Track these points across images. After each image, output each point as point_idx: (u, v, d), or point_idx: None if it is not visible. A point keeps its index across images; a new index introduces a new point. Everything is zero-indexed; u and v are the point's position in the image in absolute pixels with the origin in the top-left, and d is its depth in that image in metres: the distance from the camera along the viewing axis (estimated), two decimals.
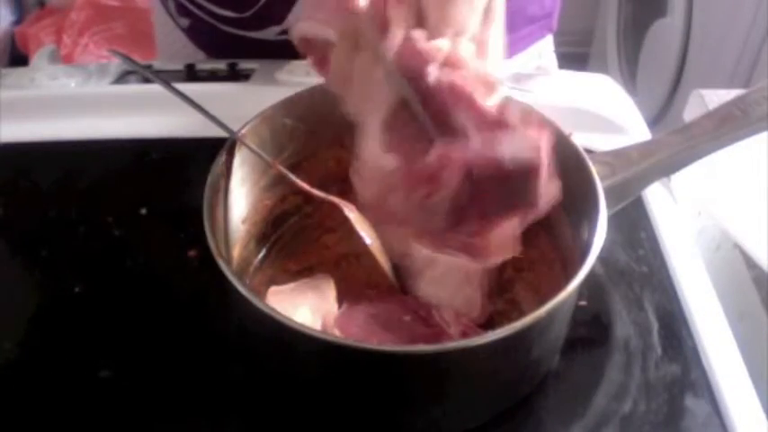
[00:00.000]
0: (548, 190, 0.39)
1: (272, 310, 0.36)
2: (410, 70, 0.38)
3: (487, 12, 0.40)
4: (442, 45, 0.38)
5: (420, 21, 0.39)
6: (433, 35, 0.38)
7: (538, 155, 0.37)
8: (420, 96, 0.38)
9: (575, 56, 1.91)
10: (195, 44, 0.78)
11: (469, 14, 0.39)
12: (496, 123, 0.37)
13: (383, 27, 0.38)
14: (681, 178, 0.56)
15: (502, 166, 0.37)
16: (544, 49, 0.81)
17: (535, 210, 0.39)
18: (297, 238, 0.52)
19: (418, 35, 0.38)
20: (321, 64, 0.44)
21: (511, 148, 0.37)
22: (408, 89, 0.38)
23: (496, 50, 0.40)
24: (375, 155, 0.39)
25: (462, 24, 0.39)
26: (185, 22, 0.75)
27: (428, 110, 0.38)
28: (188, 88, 0.48)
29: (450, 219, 0.40)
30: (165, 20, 0.78)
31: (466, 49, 0.39)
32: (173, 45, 0.79)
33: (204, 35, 0.76)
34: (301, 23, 0.43)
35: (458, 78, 0.38)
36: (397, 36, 0.38)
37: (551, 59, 0.83)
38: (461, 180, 0.37)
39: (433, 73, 0.37)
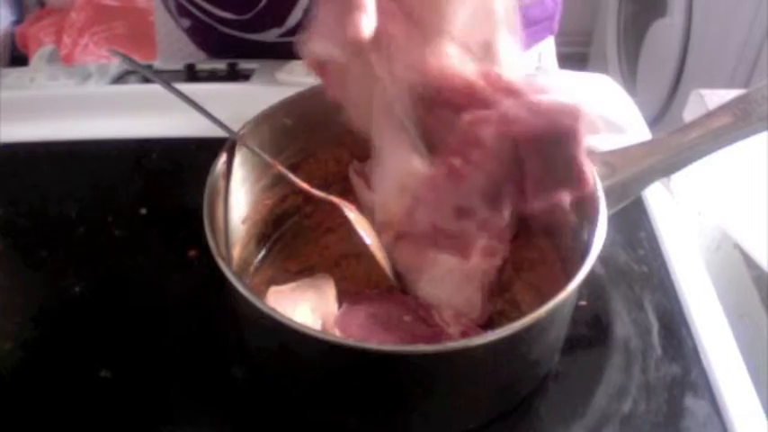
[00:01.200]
0: (589, 168, 0.38)
1: (272, 310, 0.36)
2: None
3: (488, 15, 0.39)
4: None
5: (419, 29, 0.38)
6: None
7: (576, 115, 0.36)
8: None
9: (575, 56, 1.91)
10: (196, 44, 0.78)
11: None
12: (525, 90, 0.37)
13: (379, 45, 0.38)
14: (681, 178, 0.56)
15: (539, 125, 0.35)
16: (545, 50, 0.81)
17: (584, 187, 0.38)
18: (297, 238, 0.52)
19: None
20: (338, 89, 0.43)
21: (546, 107, 0.36)
22: (409, 111, 0.38)
23: (509, 57, 0.40)
24: (404, 162, 0.39)
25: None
26: (186, 22, 0.75)
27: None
28: (188, 88, 0.48)
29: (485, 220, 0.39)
30: (165, 19, 0.78)
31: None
32: (173, 45, 0.79)
33: (205, 36, 0.76)
34: (314, 43, 0.41)
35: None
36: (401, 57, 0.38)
37: (552, 61, 0.83)
38: (500, 145, 0.36)
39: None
